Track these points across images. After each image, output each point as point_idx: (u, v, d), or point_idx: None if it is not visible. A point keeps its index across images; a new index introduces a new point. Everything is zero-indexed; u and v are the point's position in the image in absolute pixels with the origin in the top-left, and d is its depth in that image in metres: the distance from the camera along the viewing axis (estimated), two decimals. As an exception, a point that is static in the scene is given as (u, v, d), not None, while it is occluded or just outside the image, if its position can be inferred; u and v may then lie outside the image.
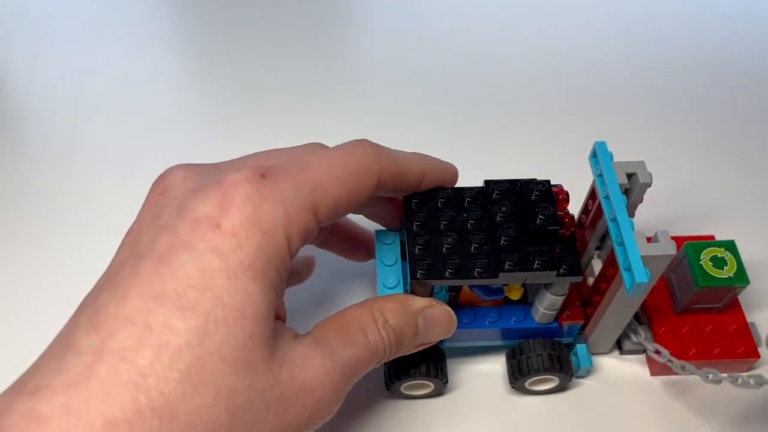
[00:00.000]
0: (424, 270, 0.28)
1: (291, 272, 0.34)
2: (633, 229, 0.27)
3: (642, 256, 0.26)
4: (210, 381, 0.21)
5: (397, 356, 0.28)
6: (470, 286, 0.31)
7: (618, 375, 0.34)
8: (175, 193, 0.24)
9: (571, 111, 0.47)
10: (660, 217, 0.40)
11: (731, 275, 0.32)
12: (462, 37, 0.53)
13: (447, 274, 0.28)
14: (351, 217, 0.33)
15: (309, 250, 0.35)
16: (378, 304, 0.28)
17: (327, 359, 0.25)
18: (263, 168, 0.24)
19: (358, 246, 0.35)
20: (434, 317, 0.29)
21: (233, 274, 0.22)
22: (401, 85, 0.49)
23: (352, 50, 0.53)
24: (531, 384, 0.33)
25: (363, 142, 0.27)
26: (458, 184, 0.31)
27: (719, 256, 0.32)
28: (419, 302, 0.29)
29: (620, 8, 0.55)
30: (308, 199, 0.24)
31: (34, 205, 0.42)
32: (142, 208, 0.25)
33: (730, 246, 0.33)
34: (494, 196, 0.29)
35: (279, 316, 0.25)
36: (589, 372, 0.34)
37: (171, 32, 0.55)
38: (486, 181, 0.30)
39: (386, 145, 0.28)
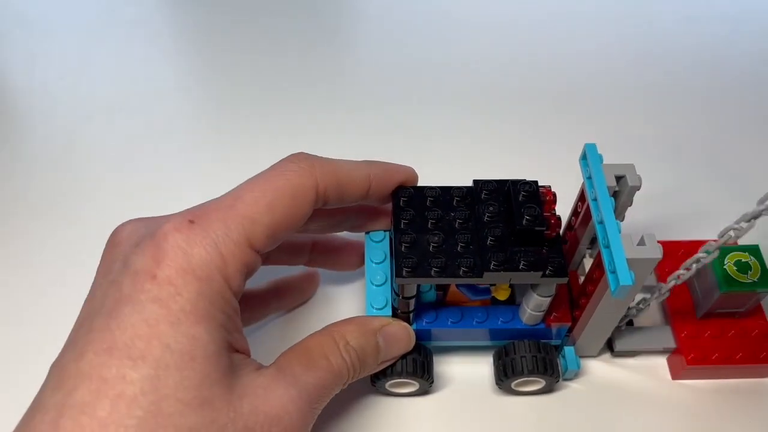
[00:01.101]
0: (409, 268, 0.28)
1: (295, 290, 0.36)
2: (620, 232, 0.27)
3: (628, 259, 0.26)
4: (169, 423, 0.22)
5: (362, 376, 0.29)
6: (457, 286, 0.31)
7: (607, 378, 0.34)
8: (122, 248, 0.25)
9: (567, 111, 0.47)
10: (662, 219, 0.40)
11: (755, 280, 0.31)
12: (456, 35, 0.53)
13: (432, 272, 0.28)
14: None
15: (298, 270, 0.36)
16: (338, 328, 0.29)
17: (291, 387, 0.25)
18: (192, 214, 0.25)
19: (344, 256, 0.36)
20: (393, 334, 0.30)
21: (176, 321, 0.23)
22: (397, 85, 0.49)
23: (351, 52, 0.53)
24: (517, 385, 0.33)
25: (296, 157, 0.27)
26: (448, 183, 0.31)
27: (743, 260, 0.32)
28: (377, 321, 0.30)
29: (617, 7, 0.55)
30: (241, 234, 0.25)
31: (33, 205, 0.42)
32: (98, 266, 0.26)
33: (755, 251, 0.32)
34: (482, 195, 0.29)
35: (240, 350, 0.25)
36: (576, 375, 0.34)
37: (171, 33, 0.55)
38: (475, 181, 0.30)
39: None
